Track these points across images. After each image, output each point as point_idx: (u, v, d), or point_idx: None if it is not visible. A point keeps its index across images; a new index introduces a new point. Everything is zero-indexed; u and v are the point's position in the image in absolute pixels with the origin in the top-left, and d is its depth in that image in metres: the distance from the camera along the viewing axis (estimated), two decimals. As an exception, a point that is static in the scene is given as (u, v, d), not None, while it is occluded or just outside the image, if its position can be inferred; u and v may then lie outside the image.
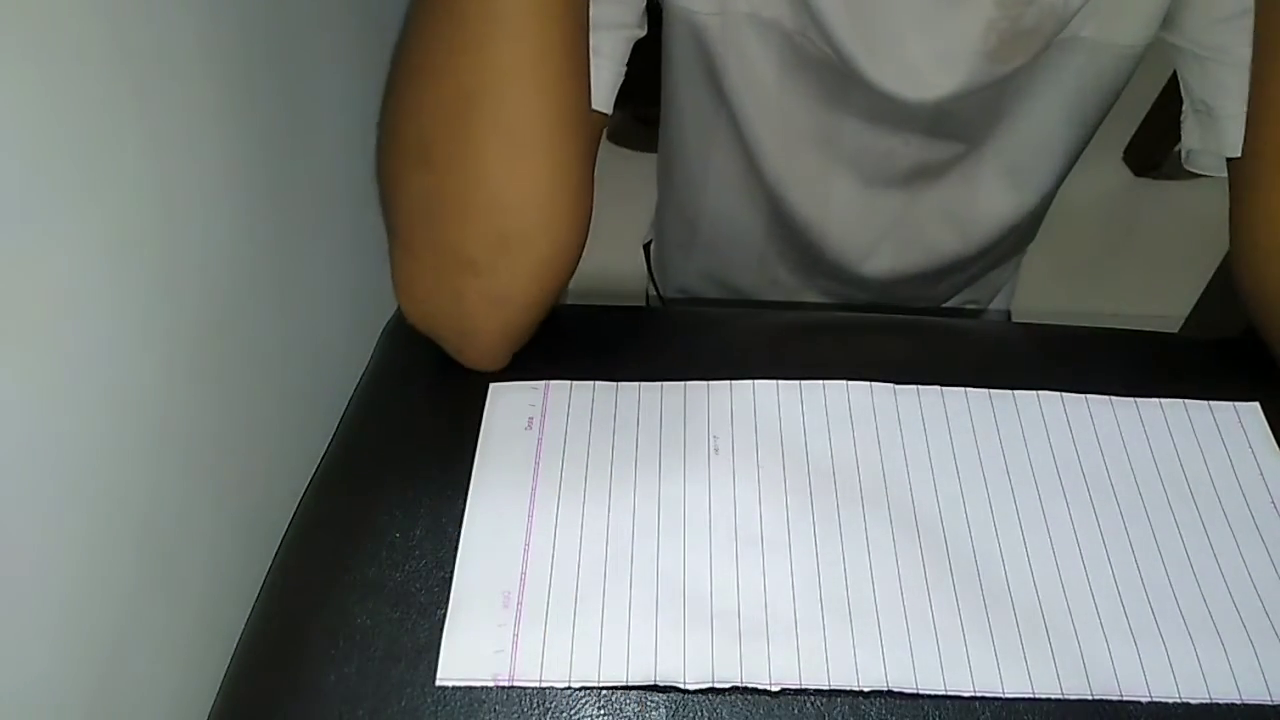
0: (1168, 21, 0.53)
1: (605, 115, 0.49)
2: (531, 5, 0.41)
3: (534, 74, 0.42)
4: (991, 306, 0.79)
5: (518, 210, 0.44)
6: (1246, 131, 0.49)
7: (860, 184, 0.62)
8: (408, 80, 0.44)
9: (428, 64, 0.42)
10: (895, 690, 0.39)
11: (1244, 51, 0.49)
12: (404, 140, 0.44)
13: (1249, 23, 0.48)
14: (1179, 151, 0.56)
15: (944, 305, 0.76)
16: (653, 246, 0.82)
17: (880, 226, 0.65)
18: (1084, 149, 0.63)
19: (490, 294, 0.46)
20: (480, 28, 0.41)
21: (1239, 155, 0.50)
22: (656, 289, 0.83)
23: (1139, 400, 0.49)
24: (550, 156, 0.44)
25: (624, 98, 0.50)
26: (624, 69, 0.50)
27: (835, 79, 0.56)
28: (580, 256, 0.48)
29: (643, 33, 0.51)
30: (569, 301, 0.53)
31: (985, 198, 0.64)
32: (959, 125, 0.59)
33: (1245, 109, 0.50)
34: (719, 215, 0.69)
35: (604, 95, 0.48)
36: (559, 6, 0.42)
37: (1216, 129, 0.52)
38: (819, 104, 0.58)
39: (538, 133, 0.43)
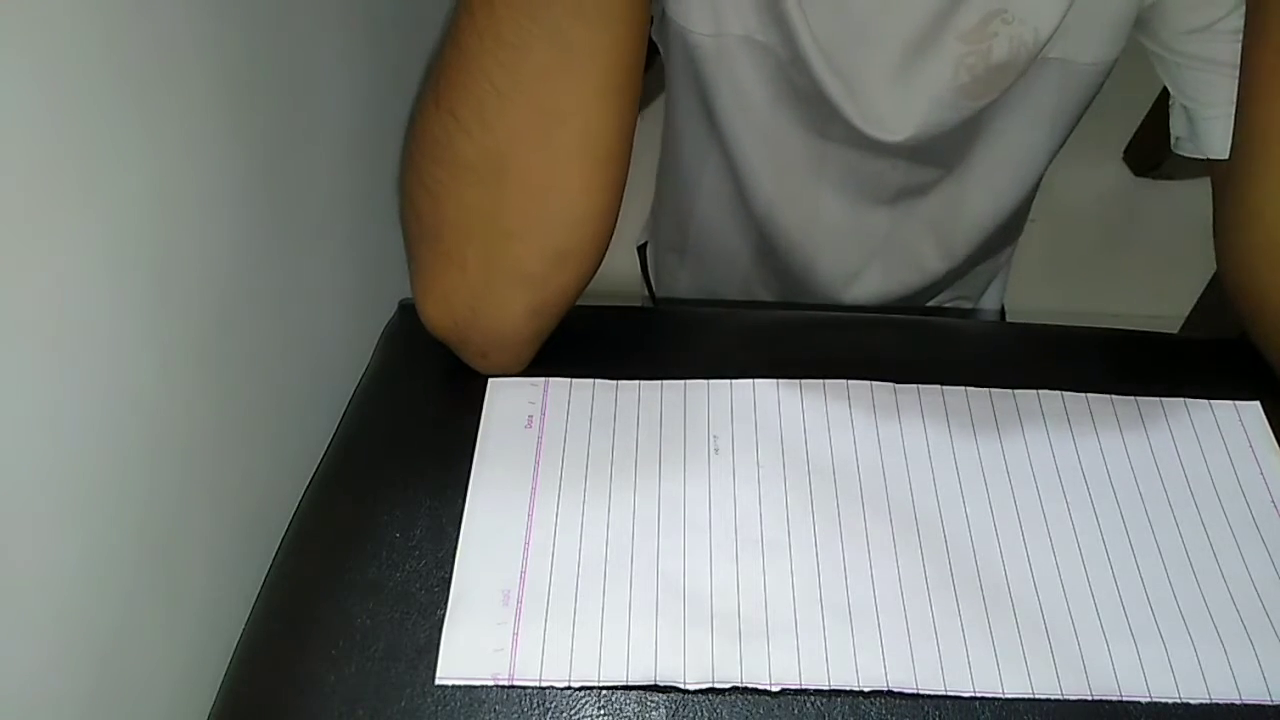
0: (1143, 27, 0.54)
1: None
2: (625, 34, 0.41)
3: (616, 97, 0.42)
4: (983, 305, 0.80)
5: (584, 226, 0.44)
6: (1235, 128, 0.49)
7: (849, 204, 0.63)
8: (479, 98, 0.42)
9: (509, 84, 0.41)
10: (895, 690, 0.39)
11: (1217, 57, 0.50)
12: (467, 155, 0.43)
13: (1219, 31, 0.49)
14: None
15: (932, 304, 0.77)
16: (648, 248, 0.83)
17: (868, 246, 0.66)
18: (1061, 148, 0.63)
19: (533, 305, 0.46)
20: (579, 53, 0.41)
21: (1217, 155, 0.51)
22: (650, 290, 0.83)
23: (1139, 399, 0.49)
24: (621, 173, 0.44)
25: None
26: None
27: (822, 108, 0.57)
28: None
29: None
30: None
31: (969, 211, 0.65)
32: (941, 153, 0.60)
33: (1222, 110, 0.50)
34: (708, 232, 0.70)
35: None
36: (639, 27, 0.42)
37: (1196, 129, 0.52)
38: (808, 128, 0.59)
39: (615, 151, 0.44)
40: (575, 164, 0.43)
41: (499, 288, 0.45)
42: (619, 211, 0.46)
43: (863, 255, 0.67)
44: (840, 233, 0.65)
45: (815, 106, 0.57)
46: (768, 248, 0.67)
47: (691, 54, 0.58)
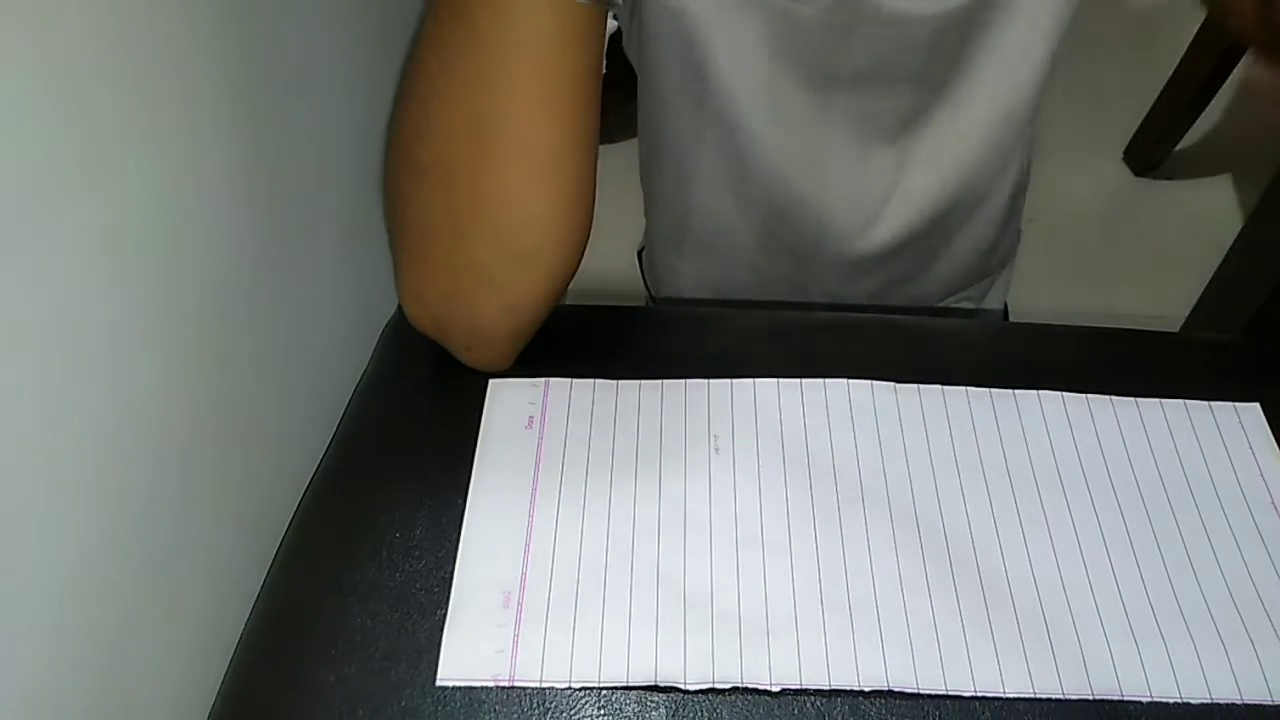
0: None
1: None
2: (552, 35, 0.42)
3: (555, 101, 0.43)
4: (987, 305, 0.79)
5: (536, 228, 0.45)
6: None
7: (856, 148, 0.62)
8: (424, 103, 0.45)
9: (447, 88, 0.43)
10: (895, 690, 0.39)
11: None
12: (421, 159, 0.45)
13: None
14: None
15: (939, 305, 0.76)
16: (645, 252, 0.82)
17: (878, 191, 0.65)
18: (1046, 83, 0.62)
19: (504, 304, 0.47)
20: (502, 55, 0.42)
21: None
22: (650, 295, 0.83)
23: (1139, 400, 0.49)
24: (566, 176, 0.45)
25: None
26: (602, 62, 0.50)
27: (832, 37, 0.55)
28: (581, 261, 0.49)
29: (614, 25, 0.51)
30: (568, 302, 0.53)
31: (970, 144, 0.64)
32: (945, 62, 0.58)
33: None
34: (709, 211, 0.69)
35: None
36: (578, 36, 0.42)
37: None
38: (810, 76, 0.58)
39: (555, 155, 0.44)
40: (515, 170, 0.44)
41: (466, 286, 0.46)
42: (586, 216, 0.47)
43: (873, 201, 0.66)
44: (850, 182, 0.64)
45: (824, 36, 0.55)
46: (774, 212, 0.66)
47: (681, 26, 0.57)
